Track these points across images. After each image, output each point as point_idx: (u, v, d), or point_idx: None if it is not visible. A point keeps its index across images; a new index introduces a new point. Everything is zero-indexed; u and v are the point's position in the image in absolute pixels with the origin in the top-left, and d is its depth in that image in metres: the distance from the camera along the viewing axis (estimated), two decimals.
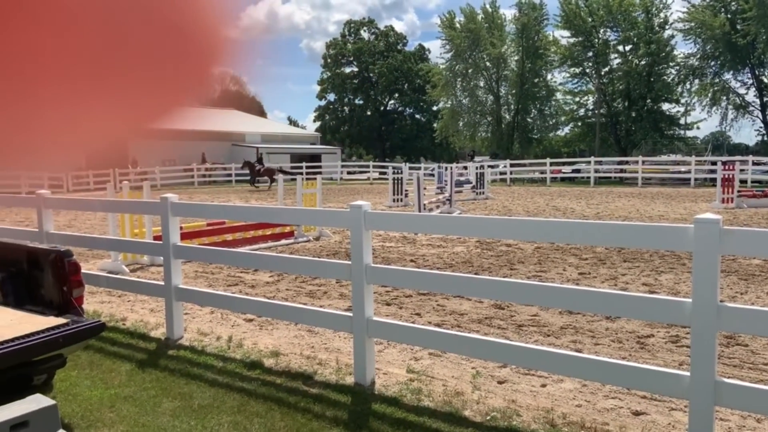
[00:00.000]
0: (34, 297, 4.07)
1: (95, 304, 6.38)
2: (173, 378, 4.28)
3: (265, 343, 5.09)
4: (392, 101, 69.12)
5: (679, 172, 29.58)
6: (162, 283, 5.38)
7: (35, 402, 2.97)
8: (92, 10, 0.56)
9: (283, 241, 10.78)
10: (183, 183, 34.21)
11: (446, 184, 17.65)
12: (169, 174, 34.44)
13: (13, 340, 3.34)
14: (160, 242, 5.43)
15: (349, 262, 4.15)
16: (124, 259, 8.39)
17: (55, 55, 0.56)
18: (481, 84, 47.80)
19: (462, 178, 21.96)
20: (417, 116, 68.27)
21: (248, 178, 30.78)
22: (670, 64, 40.21)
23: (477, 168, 22.53)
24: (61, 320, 3.66)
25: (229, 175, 36.96)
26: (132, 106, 0.64)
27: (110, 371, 4.40)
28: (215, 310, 6.03)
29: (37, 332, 3.46)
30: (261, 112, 68.28)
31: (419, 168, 31.98)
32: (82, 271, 4.07)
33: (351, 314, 4.18)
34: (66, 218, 15.49)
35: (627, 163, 33.08)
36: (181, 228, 5.95)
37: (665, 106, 41.71)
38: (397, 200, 19.49)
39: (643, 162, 29.64)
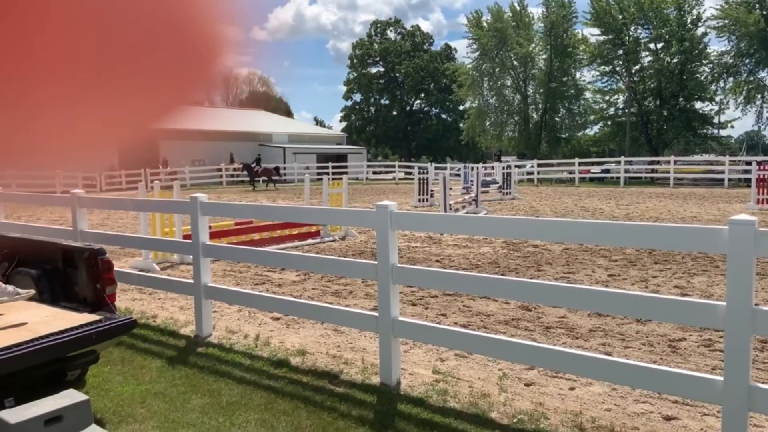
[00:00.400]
0: (69, 294, 4.17)
1: (127, 301, 6.52)
2: (202, 375, 4.35)
3: (292, 341, 5.13)
4: (418, 101, 69.02)
5: (713, 172, 28.88)
6: (191, 281, 5.46)
7: (69, 397, 3.05)
8: (89, 8, 0.57)
9: (309, 241, 10.86)
10: (211, 183, 34.70)
11: (472, 184, 17.55)
12: (198, 174, 34.97)
13: (48, 336, 3.43)
14: (190, 241, 5.52)
15: (375, 262, 4.16)
16: (154, 258, 8.55)
17: (52, 54, 0.57)
18: (509, 83, 47.39)
19: (488, 179, 21.82)
20: (443, 116, 68.03)
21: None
22: (703, 61, 39.25)
23: (504, 168, 22.35)
24: (94, 317, 3.75)
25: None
26: (130, 106, 0.65)
27: (141, 367, 4.49)
28: (243, 308, 6.10)
29: (72, 329, 3.55)
30: (288, 113, 68.92)
31: (445, 168, 31.89)
32: (115, 268, 4.16)
33: (377, 314, 4.19)
34: (99, 217, 15.85)
35: (658, 162, 32.43)
36: (209, 227, 6.03)
37: (698, 105, 40.76)
38: (423, 200, 19.45)
39: (675, 162, 29.02)
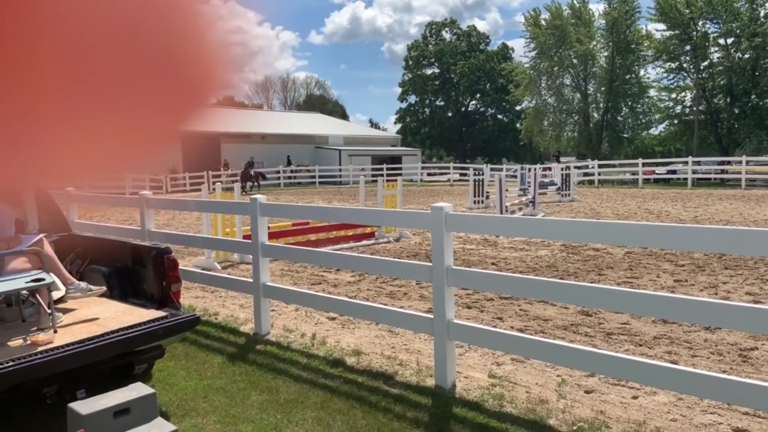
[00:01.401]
0: (137, 291, 4.37)
1: (190, 298, 6.76)
2: (261, 372, 4.46)
3: (347, 341, 5.18)
4: (474, 102, 68.39)
5: None
6: (251, 280, 5.61)
7: (136, 390, 3.18)
8: (88, 33, 0.58)
9: (364, 242, 10.94)
10: (269, 185, 35.48)
11: (529, 186, 17.21)
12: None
13: (118, 330, 3.60)
14: (250, 241, 5.66)
15: (430, 264, 4.15)
16: (216, 257, 8.83)
17: (56, 76, 0.58)
18: (568, 82, 46.27)
19: (546, 180, 21.35)
20: (499, 116, 67.12)
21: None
22: None
23: (563, 169, 21.81)
24: (160, 313, 3.91)
25: (313, 176, 37.98)
26: (130, 130, 0.66)
27: (203, 363, 4.64)
28: (300, 307, 6.21)
29: (140, 324, 3.71)
30: (343, 115, 69.70)
31: (501, 169, 31.42)
32: (179, 267, 4.32)
33: (432, 316, 4.17)
34: (164, 217, 16.51)
35: (729, 163, 30.80)
36: (267, 227, 6.17)
37: None
38: (478, 202, 19.23)
39: (747, 162, 27.50)
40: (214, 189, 9.61)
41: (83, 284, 4.08)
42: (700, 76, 38.77)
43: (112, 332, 3.57)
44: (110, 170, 0.73)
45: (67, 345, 3.37)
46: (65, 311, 3.97)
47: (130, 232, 7.23)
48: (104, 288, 4.21)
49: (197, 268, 8.00)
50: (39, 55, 0.57)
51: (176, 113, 0.70)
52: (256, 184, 31.70)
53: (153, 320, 3.78)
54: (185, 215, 16.75)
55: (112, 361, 3.64)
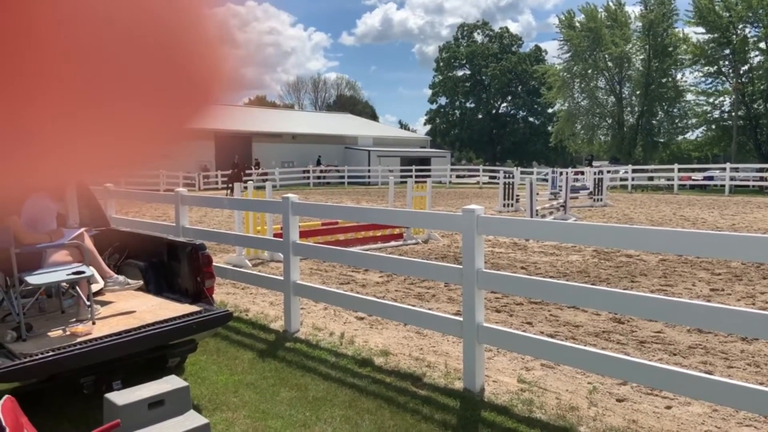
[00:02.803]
0: (172, 285, 4.46)
1: (222, 294, 6.87)
2: (290, 369, 4.51)
3: (375, 341, 5.20)
4: (505, 104, 67.85)
5: None
6: (281, 278, 5.67)
7: (170, 383, 3.25)
8: (90, 33, 0.58)
9: (392, 243, 10.95)
10: (299, 184, 35.82)
11: (560, 190, 16.99)
12: (287, 175, 36.20)
13: (153, 324, 3.69)
14: (281, 239, 5.73)
15: (460, 266, 4.14)
16: (247, 254, 8.95)
17: (54, 76, 0.59)
18: (602, 85, 45.56)
19: (578, 184, 21.05)
20: (530, 119, 66.45)
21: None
22: None
23: (595, 173, 21.47)
24: (194, 308, 3.99)
25: (342, 177, 38.18)
26: (127, 134, 0.67)
27: (234, 358, 4.72)
28: (328, 306, 6.26)
29: (174, 318, 3.79)
30: (373, 116, 69.84)
31: (531, 172, 31.08)
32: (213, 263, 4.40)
33: (461, 319, 4.16)
34: (197, 214, 16.80)
35: None
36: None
37: None
38: (508, 205, 19.07)
39: None
40: (245, 187, 9.75)
41: (121, 278, 4.19)
42: (739, 80, 37.72)
43: (149, 325, 3.65)
44: (121, 169, 0.75)
45: (105, 336, 3.46)
46: (103, 304, 4.09)
47: (164, 228, 7.38)
48: (141, 282, 4.32)
49: (228, 264, 8.12)
50: (68, 51, 0.58)
51: (183, 111, 0.71)
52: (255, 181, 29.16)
53: (187, 315, 3.85)
54: (217, 212, 17.01)
55: (147, 353, 3.73)
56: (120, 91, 0.62)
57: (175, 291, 4.40)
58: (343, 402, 3.89)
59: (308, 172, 37.04)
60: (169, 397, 3.17)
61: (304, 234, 9.23)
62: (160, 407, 3.13)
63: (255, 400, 3.91)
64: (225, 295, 6.95)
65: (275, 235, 8.35)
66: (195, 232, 6.60)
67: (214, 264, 4.58)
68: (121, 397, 3.07)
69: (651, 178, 32.22)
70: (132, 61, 0.61)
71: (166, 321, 3.72)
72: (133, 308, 4.00)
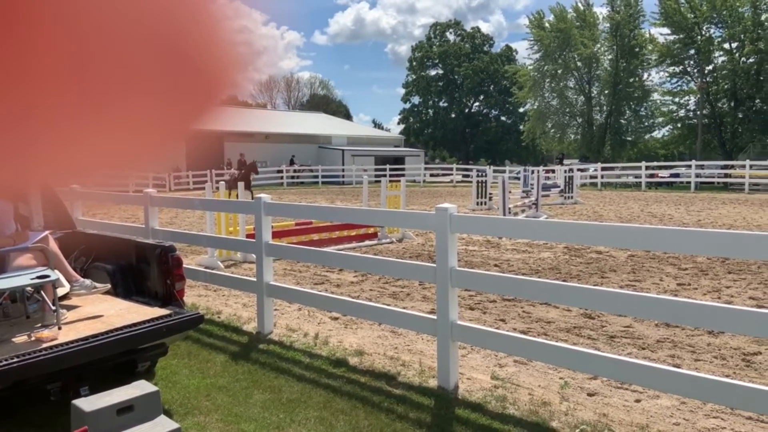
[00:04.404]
0: (141, 289, 4.37)
1: (193, 297, 6.77)
2: (263, 371, 4.46)
3: (350, 341, 5.19)
4: (477, 103, 68.38)
5: None
6: (254, 279, 5.61)
7: (140, 388, 3.18)
8: (98, 29, 0.57)
9: (367, 242, 10.94)
10: (273, 184, 35.52)
11: (532, 188, 17.20)
12: (260, 175, 35.79)
13: (122, 328, 3.61)
14: (253, 240, 5.67)
15: (434, 265, 4.15)
16: (219, 256, 8.84)
17: (59, 75, 0.58)
18: (571, 85, 46.26)
19: (549, 182, 21.33)
20: (502, 118, 67.12)
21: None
22: None
23: (565, 171, 21.79)
24: (164, 311, 3.92)
25: (316, 176, 38.01)
26: (139, 128, 0.66)
27: (206, 362, 4.65)
28: (302, 307, 6.22)
29: (144, 322, 3.72)
30: (347, 115, 69.73)
31: (504, 171, 31.38)
32: (183, 265, 4.33)
33: (435, 317, 4.17)
34: (168, 216, 16.53)
35: (732, 167, 30.75)
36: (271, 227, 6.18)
37: None
38: (481, 203, 19.23)
39: (751, 166, 27.43)
40: (217, 188, 9.63)
41: (88, 281, 4.10)
42: (704, 80, 38.71)
43: (116, 330, 3.57)
44: (119, 169, 0.73)
45: (71, 342, 3.38)
46: (69, 308, 3.98)
47: (133, 229, 7.25)
48: (108, 285, 4.22)
49: (200, 266, 8.01)
50: (44, 49, 0.56)
51: (188, 111, 0.70)
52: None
53: (157, 318, 3.78)
54: (188, 214, 16.77)
55: (116, 358, 3.65)
56: (130, 90, 0.61)
57: (144, 294, 4.31)
58: (318, 403, 3.87)
59: (282, 172, 36.78)
60: (138, 402, 3.11)
61: (277, 234, 9.16)
62: (130, 413, 3.06)
63: (227, 404, 3.86)
64: (197, 297, 6.86)
65: (248, 236, 8.27)
66: (165, 234, 6.49)
67: (184, 266, 4.50)
68: (88, 403, 3.01)
69: (620, 176, 32.84)
70: (141, 61, 0.60)
71: (134, 325, 3.65)
72: (100, 312, 3.91)
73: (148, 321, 3.73)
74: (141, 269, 4.38)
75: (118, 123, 0.64)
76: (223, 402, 3.88)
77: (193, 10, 0.64)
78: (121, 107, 0.63)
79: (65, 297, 4.03)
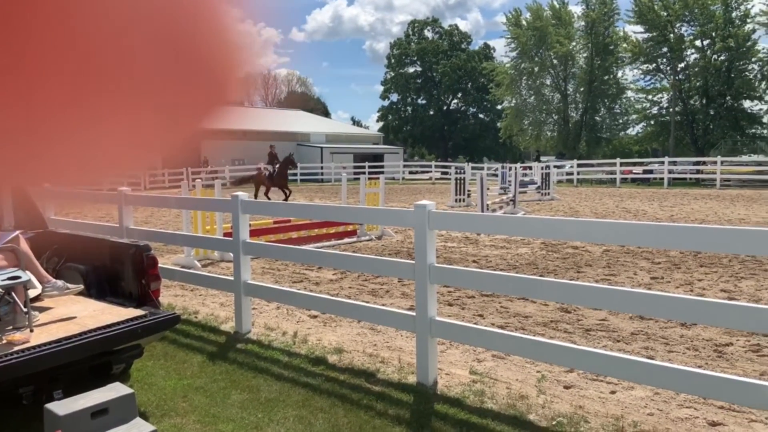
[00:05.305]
0: (115, 289, 4.30)
1: (170, 297, 6.68)
2: (242, 371, 4.43)
3: (329, 339, 5.17)
4: (455, 101, 68.66)
5: (762, 173, 27.81)
6: (232, 278, 5.57)
7: (115, 390, 3.13)
8: (104, 29, 0.57)
9: (346, 240, 10.92)
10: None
11: (510, 185, 17.35)
12: (237, 173, 35.55)
13: (96, 329, 3.55)
14: (231, 239, 5.62)
15: (413, 262, 4.16)
16: (196, 255, 8.75)
17: (62, 71, 0.57)
18: (548, 82, 46.72)
19: (526, 179, 21.53)
20: (480, 116, 67.49)
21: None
22: (752, 59, 37.79)
23: (542, 168, 22.02)
24: (139, 312, 3.86)
25: (294, 174, 37.79)
26: (143, 132, 0.66)
27: (183, 362, 4.60)
28: (281, 305, 6.19)
29: (118, 323, 3.66)
30: (325, 113, 69.47)
31: (482, 168, 31.59)
32: (158, 265, 4.27)
33: (414, 314, 4.18)
34: (143, 215, 16.29)
35: (704, 163, 31.38)
36: (249, 225, 6.13)
37: (746, 104, 39.27)
38: (460, 200, 19.33)
39: (722, 162, 28.04)
40: (193, 186, 9.52)
41: (60, 282, 4.02)
42: (676, 77, 39.42)
43: (90, 331, 3.51)
44: (124, 170, 0.73)
45: (44, 344, 3.31)
46: (41, 310, 3.90)
47: (108, 229, 7.13)
48: (81, 286, 4.15)
49: (177, 266, 7.92)
50: (34, 45, 0.55)
51: (197, 111, 0.70)
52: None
53: (132, 319, 3.73)
54: (164, 212, 16.56)
55: (90, 360, 3.59)
56: (138, 91, 0.60)
57: (118, 295, 4.25)
58: (297, 402, 3.85)
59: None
60: (113, 405, 3.06)
61: (255, 233, 9.09)
62: (104, 416, 3.02)
63: (205, 404, 3.82)
64: (173, 297, 6.77)
65: (225, 235, 8.19)
66: (140, 233, 6.40)
67: (160, 265, 4.44)
68: (62, 406, 2.95)
69: (595, 173, 33.30)
70: (150, 61, 0.59)
71: (108, 326, 3.59)
72: (73, 314, 3.84)
73: (123, 322, 3.67)
74: (115, 269, 4.31)
75: (126, 122, 0.63)
76: (200, 403, 3.84)
77: (202, 7, 0.64)
78: (129, 104, 0.62)
79: (37, 298, 3.94)
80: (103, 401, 3.01)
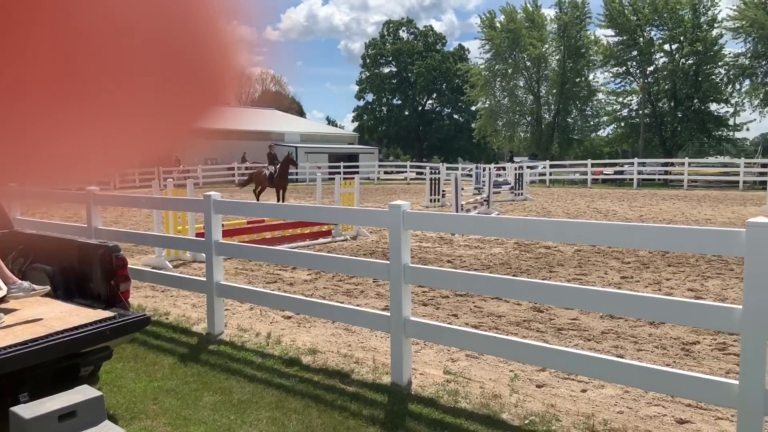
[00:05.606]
0: (83, 290, 4.21)
1: (140, 298, 6.57)
2: (214, 372, 4.37)
3: (303, 340, 5.14)
4: (430, 101, 68.93)
5: (727, 175, 28.58)
6: (204, 279, 5.49)
7: (82, 393, 3.07)
8: (100, 26, 0.57)
9: (321, 240, 10.88)
10: (224, 182, 34.85)
11: (484, 185, 17.49)
12: (210, 173, 35.16)
13: (62, 331, 3.46)
14: (203, 239, 5.55)
15: (388, 262, 4.16)
16: (167, 255, 8.61)
17: (56, 70, 0.57)
18: (521, 84, 47.24)
19: (500, 179, 21.74)
20: (455, 116, 67.89)
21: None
22: (719, 63, 38.82)
23: (516, 169, 22.26)
24: (108, 313, 3.78)
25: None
26: (138, 131, 0.65)
27: (154, 364, 4.52)
28: (255, 306, 6.13)
29: (86, 325, 3.58)
30: (300, 112, 69.07)
31: (457, 168, 31.79)
32: (128, 266, 4.19)
33: (388, 314, 4.19)
34: (113, 215, 15.98)
35: (672, 164, 32.13)
36: (222, 225, 6.06)
37: (713, 107, 40.33)
38: (434, 200, 19.42)
39: (689, 164, 28.72)
40: (165, 186, 9.37)
41: (26, 284, 3.91)
42: (645, 80, 40.24)
43: (57, 333, 3.43)
44: (119, 168, 0.73)
45: (9, 347, 3.22)
46: (7, 311, 3.80)
47: (75, 229, 6.97)
48: (48, 287, 4.05)
49: (147, 266, 7.78)
50: (24, 42, 0.55)
51: (193, 111, 0.69)
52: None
53: (100, 321, 3.65)
54: (134, 213, 16.27)
55: (57, 363, 3.51)
56: (133, 89, 0.59)
57: (87, 296, 4.15)
58: (270, 403, 3.82)
59: (233, 169, 36.13)
60: (81, 407, 2.99)
61: (229, 233, 8.99)
62: (72, 419, 2.95)
63: (176, 407, 3.76)
64: (143, 298, 6.66)
65: (198, 235, 8.08)
66: (109, 233, 6.27)
67: (130, 266, 4.36)
68: (28, 410, 2.87)
69: (567, 173, 33.80)
70: (146, 59, 0.59)
71: (76, 328, 3.51)
72: (40, 315, 3.74)
73: (91, 324, 3.59)
74: (83, 270, 4.21)
75: (121, 122, 0.63)
76: (171, 405, 3.78)
77: (197, 7, 0.64)
78: (124, 103, 0.62)
79: (2, 300, 3.83)
80: (71, 404, 2.94)
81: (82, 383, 3.29)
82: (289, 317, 5.88)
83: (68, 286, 4.23)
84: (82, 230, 6.59)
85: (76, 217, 13.93)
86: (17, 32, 0.53)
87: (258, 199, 18.71)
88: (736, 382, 2.88)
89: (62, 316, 3.73)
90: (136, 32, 0.58)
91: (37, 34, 0.54)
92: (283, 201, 18.17)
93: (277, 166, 18.50)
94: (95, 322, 3.62)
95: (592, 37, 43.69)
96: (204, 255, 5.61)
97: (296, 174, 38.03)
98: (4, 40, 0.53)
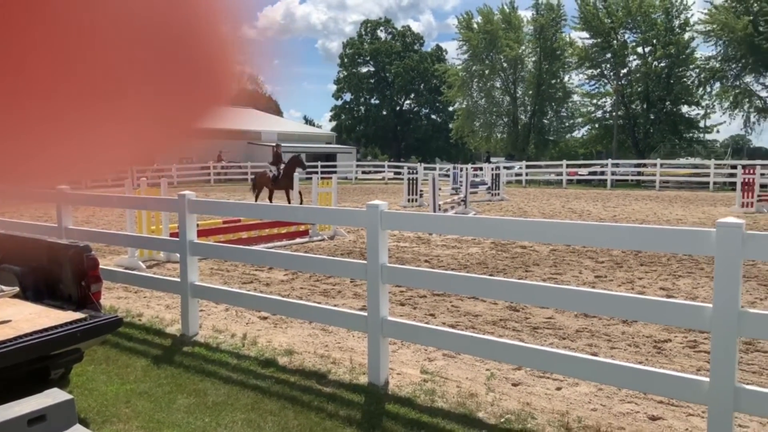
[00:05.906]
0: (53, 291, 4.12)
1: (112, 299, 6.45)
2: (188, 374, 4.31)
3: (280, 341, 5.10)
4: (408, 101, 69.09)
5: (698, 176, 29.20)
6: (178, 279, 5.42)
7: (52, 396, 2.99)
8: (101, 27, 0.56)
9: (298, 240, 10.82)
10: (199, 181, 34.48)
11: (461, 185, 17.59)
12: (185, 172, 34.72)
13: (31, 333, 3.38)
14: (177, 239, 5.47)
15: (365, 262, 4.15)
16: (140, 256, 8.47)
17: (52, 70, 0.57)
18: (498, 85, 47.61)
19: (477, 179, 21.88)
20: (433, 117, 68.16)
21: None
22: (690, 66, 39.65)
23: (492, 169, 22.43)
24: (79, 315, 3.70)
25: (245, 173, 37.19)
26: (133, 134, 0.65)
27: (126, 366, 4.44)
28: (230, 307, 6.06)
29: (56, 326, 3.50)
30: (277, 111, 68.66)
31: (434, 168, 31.92)
32: (100, 266, 4.11)
33: (365, 314, 4.18)
34: (84, 214, 15.67)
35: (645, 165, 32.69)
36: (197, 225, 5.99)
37: (684, 109, 41.14)
38: (412, 200, 19.46)
39: (661, 165, 29.28)
40: (138, 185, 9.22)
41: None
42: (619, 82, 40.89)
43: (26, 335, 3.35)
44: (115, 169, 0.72)
45: None
46: None
47: (45, 229, 6.82)
48: (17, 289, 3.95)
49: (120, 267, 7.65)
50: (22, 42, 0.54)
51: (192, 110, 0.68)
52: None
53: (71, 322, 3.57)
54: (106, 212, 15.98)
55: (26, 366, 3.42)
56: (132, 89, 0.59)
57: (57, 297, 4.06)
58: (245, 405, 3.78)
59: (209, 168, 35.74)
60: (51, 411, 2.92)
61: (204, 233, 8.88)
62: (42, 423, 2.88)
63: (149, 410, 3.70)
64: (115, 299, 6.54)
65: (172, 235, 7.97)
66: (80, 233, 6.15)
67: (102, 267, 4.27)
68: None
69: (543, 174, 34.19)
70: (145, 59, 0.58)
71: (46, 330, 3.43)
72: (8, 317, 3.64)
73: (61, 325, 3.51)
74: (53, 271, 4.12)
75: (121, 122, 0.62)
76: (144, 408, 3.72)
77: (198, 7, 0.63)
78: (125, 103, 0.61)
79: None
80: (41, 408, 2.87)
81: (53, 386, 3.21)
82: (266, 318, 5.83)
83: (38, 287, 4.13)
84: (53, 230, 6.45)
85: (46, 216, 13.63)
86: (18, 32, 0.52)
87: (256, 200, 17.95)
88: (707, 379, 2.93)
89: (31, 318, 3.64)
90: (136, 32, 0.57)
91: (37, 34, 0.53)
92: (289, 202, 17.13)
93: (281, 167, 17.89)
94: (65, 324, 3.54)
95: (568, 39, 44.24)
96: (178, 255, 5.53)
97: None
98: (4, 40, 0.52)
